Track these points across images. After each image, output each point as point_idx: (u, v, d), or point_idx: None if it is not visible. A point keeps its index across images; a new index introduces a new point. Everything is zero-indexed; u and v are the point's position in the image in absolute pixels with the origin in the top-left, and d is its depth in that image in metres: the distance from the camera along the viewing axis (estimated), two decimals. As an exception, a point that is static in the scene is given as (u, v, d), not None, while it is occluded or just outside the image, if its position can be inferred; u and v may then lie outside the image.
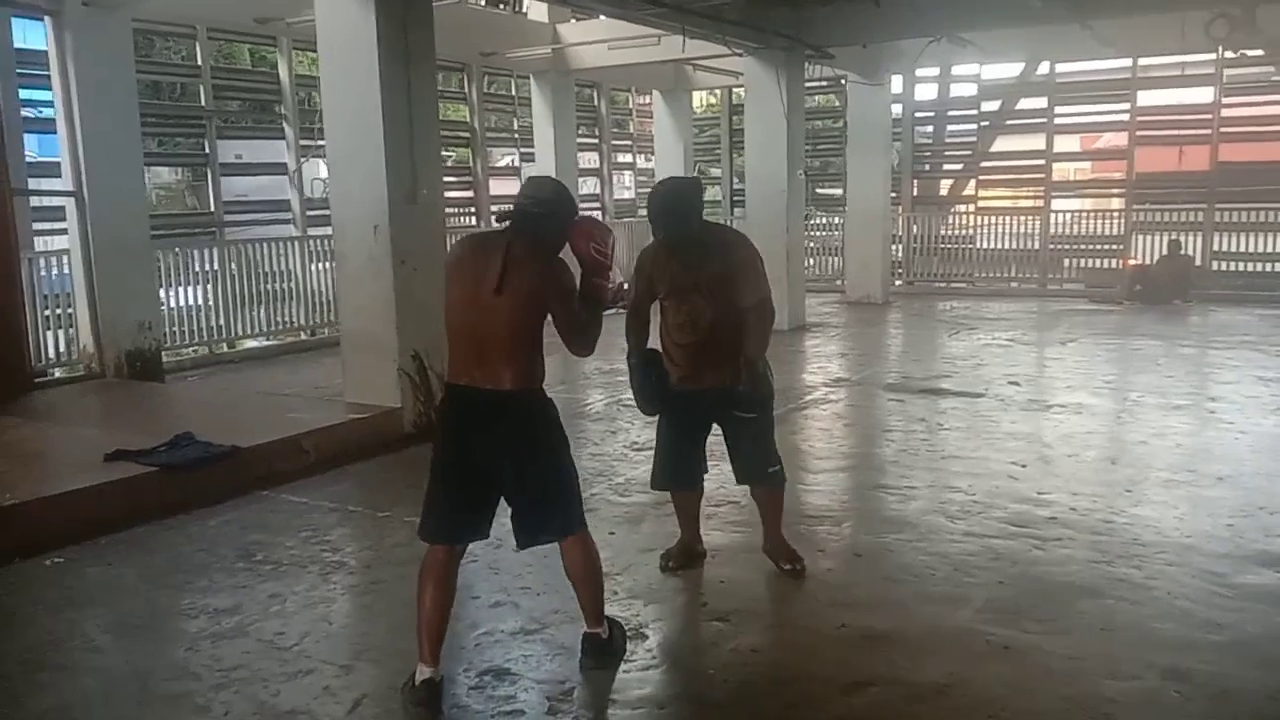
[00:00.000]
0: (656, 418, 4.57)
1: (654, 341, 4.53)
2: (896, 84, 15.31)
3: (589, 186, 16.80)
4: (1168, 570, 4.52)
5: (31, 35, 9.04)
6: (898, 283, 15.91)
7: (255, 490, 5.94)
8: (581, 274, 3.52)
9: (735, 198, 17.51)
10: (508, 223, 3.47)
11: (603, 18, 11.80)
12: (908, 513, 5.43)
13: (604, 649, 3.73)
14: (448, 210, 14.25)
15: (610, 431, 7.36)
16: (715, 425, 4.54)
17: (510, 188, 15.21)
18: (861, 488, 5.93)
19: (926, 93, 16.55)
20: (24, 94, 9.13)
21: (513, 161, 15.32)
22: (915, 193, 16.53)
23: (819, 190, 17.99)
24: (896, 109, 15.58)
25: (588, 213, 4.02)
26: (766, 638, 3.97)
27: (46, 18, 8.54)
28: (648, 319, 4.50)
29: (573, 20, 13.22)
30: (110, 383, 8.84)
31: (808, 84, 13.54)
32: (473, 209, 14.26)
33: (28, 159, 9.29)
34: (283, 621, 4.16)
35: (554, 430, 3.56)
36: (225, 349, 11.14)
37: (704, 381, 4.35)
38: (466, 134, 14.16)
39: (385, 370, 7.12)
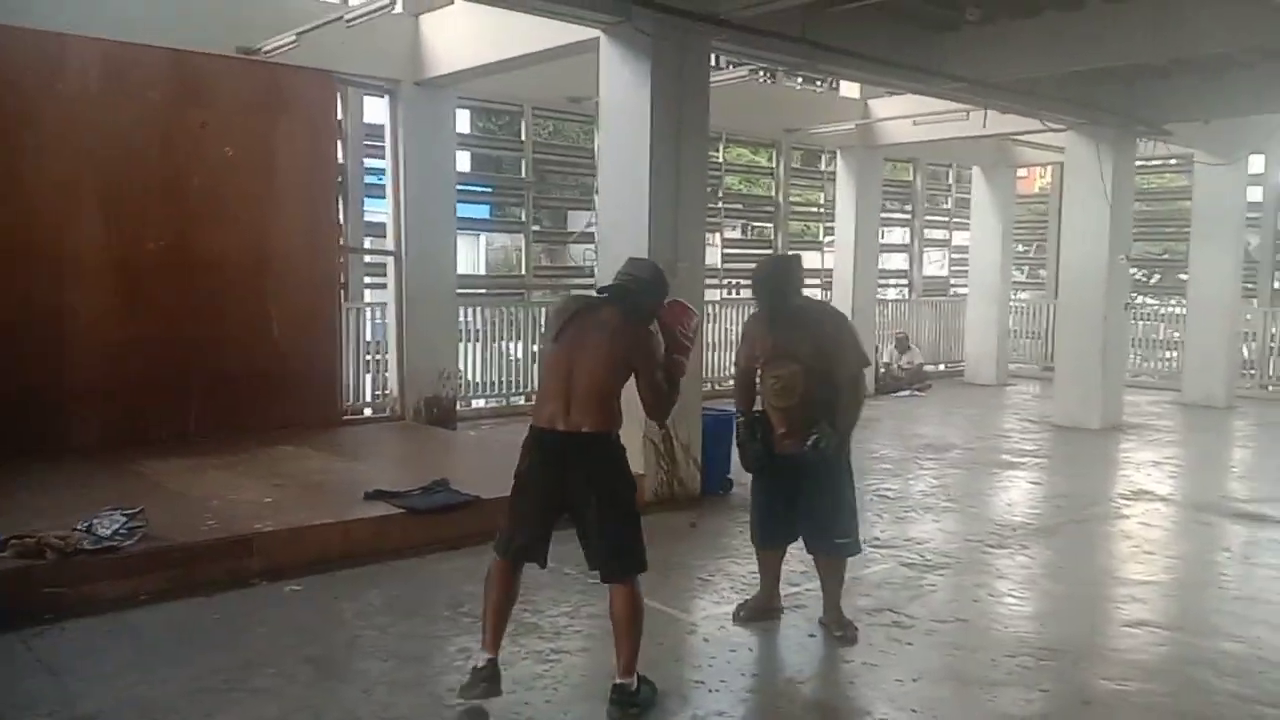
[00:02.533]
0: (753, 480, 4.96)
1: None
2: (1256, 163, 13.57)
3: (895, 262, 16.29)
4: None
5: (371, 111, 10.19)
6: (1247, 386, 13.96)
7: (491, 540, 6.16)
8: (666, 347, 3.96)
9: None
10: (606, 294, 3.99)
11: (911, 94, 11.43)
12: (1167, 659, 4.64)
13: (629, 700, 3.89)
14: (742, 283, 14.39)
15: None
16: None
17: (810, 262, 15.10)
18: (1120, 622, 5.13)
19: (1296, 174, 14.52)
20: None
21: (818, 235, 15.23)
22: (1276, 285, 14.48)
23: (1180, 277, 16.23)
24: (1256, 192, 13.77)
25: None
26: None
27: (386, 95, 9.64)
28: (753, 382, 4.89)
29: (886, 95, 12.95)
30: (408, 425, 9.66)
31: (1148, 162, 12.37)
32: (771, 281, 14.22)
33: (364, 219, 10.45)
34: (459, 678, 4.21)
35: (626, 473, 3.98)
36: (522, 402, 11.75)
37: (787, 447, 4.65)
38: (770, 208, 14.25)
39: (633, 438, 7.11)
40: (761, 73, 11.73)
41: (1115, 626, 5.12)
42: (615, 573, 3.93)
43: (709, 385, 11.23)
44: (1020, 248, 17.36)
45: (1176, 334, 15.10)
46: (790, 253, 5.52)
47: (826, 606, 4.86)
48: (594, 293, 4.03)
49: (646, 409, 4.00)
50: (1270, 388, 14.19)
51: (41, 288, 7.64)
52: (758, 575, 5.13)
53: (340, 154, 9.65)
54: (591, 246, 12.20)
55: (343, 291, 9.67)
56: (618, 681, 3.91)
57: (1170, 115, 10.78)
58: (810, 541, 4.81)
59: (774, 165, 14.18)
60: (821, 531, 4.73)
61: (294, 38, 8.11)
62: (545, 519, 3.96)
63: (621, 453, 3.95)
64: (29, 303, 7.58)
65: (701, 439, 7.48)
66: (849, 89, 13.57)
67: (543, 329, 11.53)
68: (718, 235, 13.29)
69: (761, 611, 4.94)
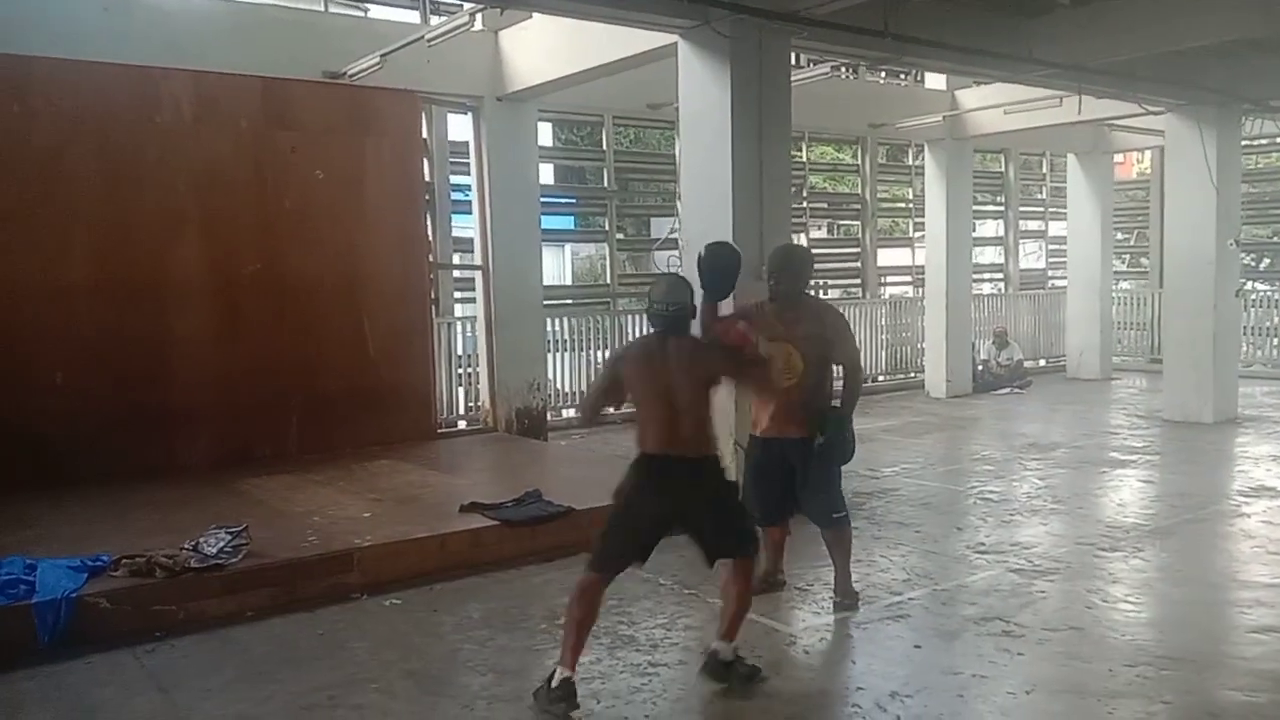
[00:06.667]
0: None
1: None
2: (1377, 136, 12.85)
3: (989, 256, 15.89)
4: None
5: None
6: (1375, 372, 13.21)
7: (584, 551, 6.11)
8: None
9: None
10: (661, 328, 4.21)
11: (1000, 83, 11.10)
12: (1301, 668, 4.37)
13: (720, 669, 4.16)
14: (835, 282, 14.20)
15: (956, 528, 6.76)
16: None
17: (900, 258, 14.81)
18: (1245, 628, 4.86)
19: None
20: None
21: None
22: (1402, 265, 13.69)
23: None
24: (1377, 166, 13.04)
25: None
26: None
27: (469, 112, 9.75)
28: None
29: (973, 85, 12.61)
30: (500, 437, 9.74)
31: (1253, 141, 11.82)
32: (858, 280, 14.02)
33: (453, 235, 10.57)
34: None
35: (730, 484, 4.33)
36: (611, 411, 11.73)
37: (788, 431, 4.94)
38: (857, 205, 14.01)
39: (727, 450, 7.10)
40: (843, 68, 11.55)
41: (1240, 633, 4.84)
42: (734, 554, 4.22)
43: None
44: (1120, 236, 16.74)
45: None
46: (801, 245, 5.67)
47: (837, 579, 5.17)
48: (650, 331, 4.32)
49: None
50: (1399, 373, 13.42)
51: (145, 313, 7.91)
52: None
53: (427, 171, 9.79)
54: (676, 253, 12.13)
55: (434, 307, 9.80)
56: (713, 645, 4.19)
57: (1277, 91, 10.26)
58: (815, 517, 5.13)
59: (859, 162, 13.95)
60: (823, 510, 5.05)
61: (378, 59, 8.26)
62: (651, 539, 4.17)
63: (722, 468, 4.25)
64: (134, 328, 7.85)
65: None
66: (935, 80, 13.27)
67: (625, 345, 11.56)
68: (803, 235, 13.10)
69: (765, 584, 5.18)
